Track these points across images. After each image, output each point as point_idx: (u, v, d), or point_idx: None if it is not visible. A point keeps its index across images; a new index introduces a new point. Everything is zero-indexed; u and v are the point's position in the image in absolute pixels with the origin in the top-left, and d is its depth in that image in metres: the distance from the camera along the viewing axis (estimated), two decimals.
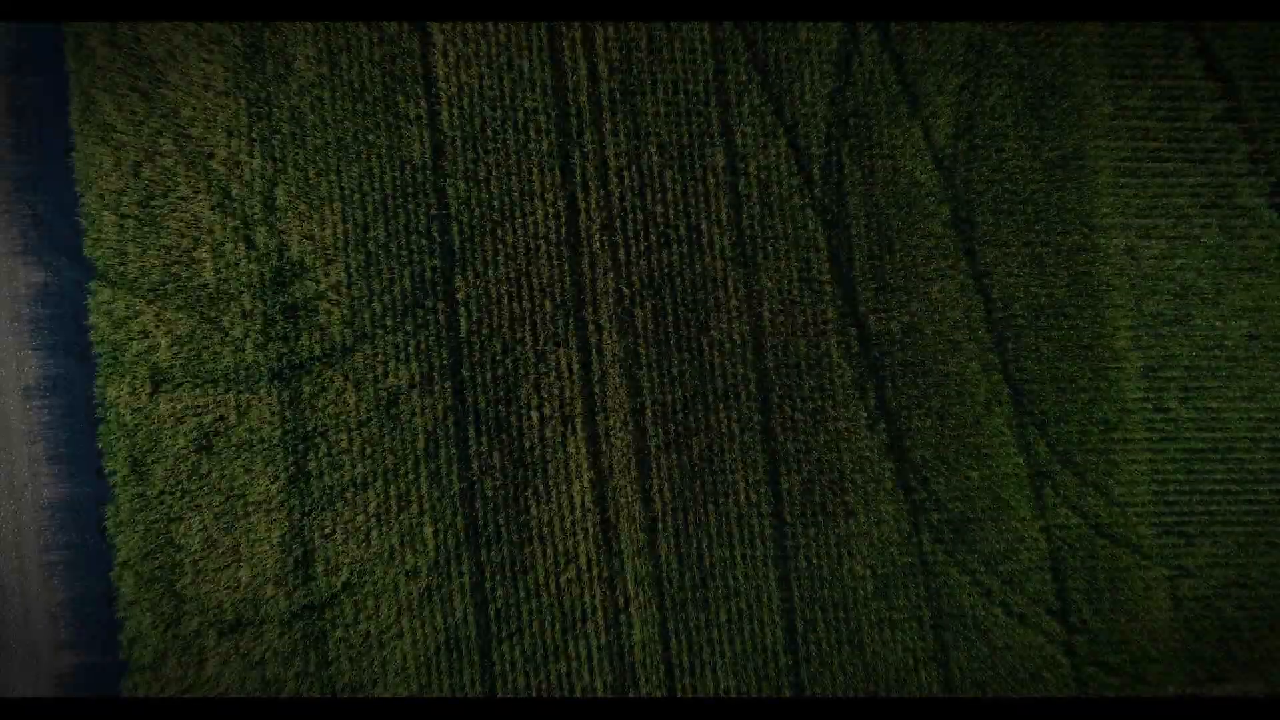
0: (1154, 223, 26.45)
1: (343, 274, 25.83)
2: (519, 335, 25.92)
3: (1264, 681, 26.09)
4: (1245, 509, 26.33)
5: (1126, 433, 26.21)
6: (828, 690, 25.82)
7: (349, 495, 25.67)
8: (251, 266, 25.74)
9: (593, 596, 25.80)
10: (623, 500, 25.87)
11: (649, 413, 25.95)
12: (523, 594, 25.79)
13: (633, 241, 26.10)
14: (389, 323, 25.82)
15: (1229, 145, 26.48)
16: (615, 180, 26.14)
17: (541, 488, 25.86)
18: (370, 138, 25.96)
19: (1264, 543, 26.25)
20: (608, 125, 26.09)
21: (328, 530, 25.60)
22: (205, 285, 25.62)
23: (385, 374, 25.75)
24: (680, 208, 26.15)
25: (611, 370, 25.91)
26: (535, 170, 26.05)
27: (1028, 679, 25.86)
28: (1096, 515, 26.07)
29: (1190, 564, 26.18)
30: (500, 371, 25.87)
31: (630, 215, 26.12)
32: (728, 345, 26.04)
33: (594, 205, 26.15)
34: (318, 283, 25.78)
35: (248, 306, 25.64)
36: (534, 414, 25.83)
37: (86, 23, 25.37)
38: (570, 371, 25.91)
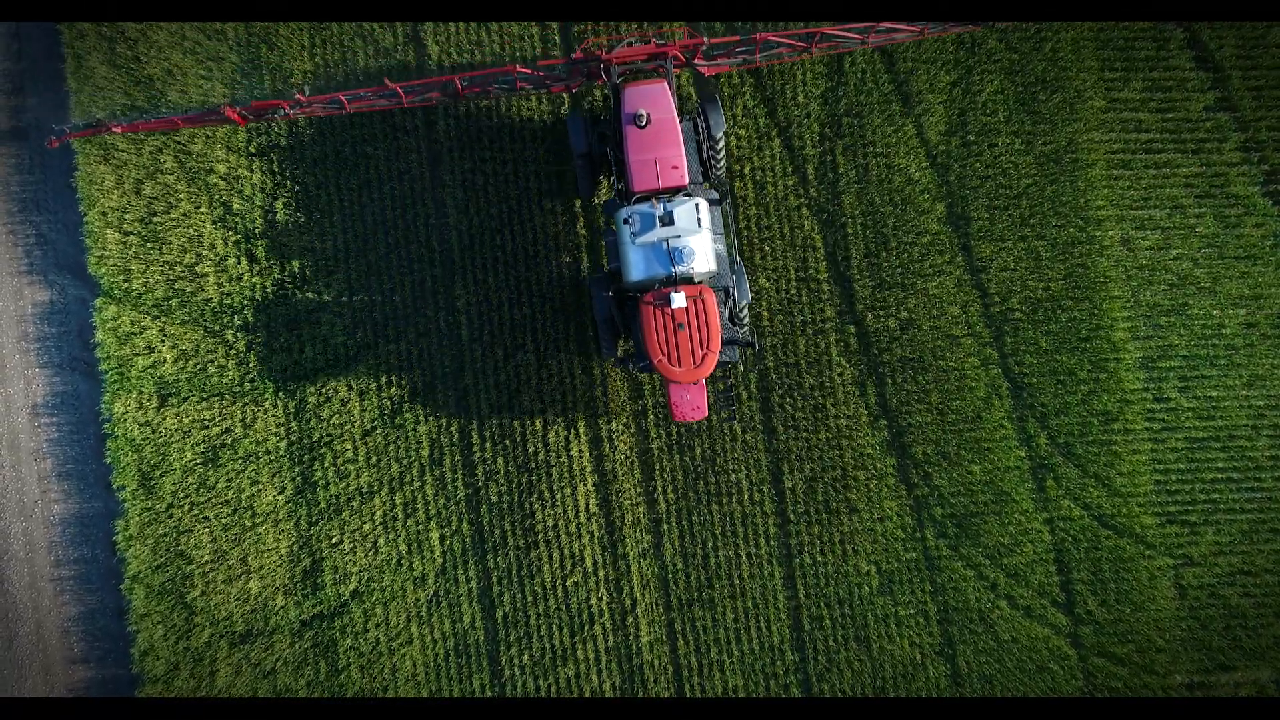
0: (1149, 214, 26.56)
1: (344, 285, 26.07)
2: (520, 341, 26.12)
3: (1271, 669, 26.11)
4: (1248, 496, 26.37)
5: (1127, 423, 26.28)
6: (835, 687, 25.92)
7: (355, 504, 25.88)
8: (254, 280, 25.99)
9: (599, 599, 25.96)
10: (627, 503, 26.04)
11: (651, 415, 26.10)
12: (530, 598, 25.95)
13: None
14: (391, 332, 26.04)
15: (1221, 135, 26.57)
16: (611, 185, 26.30)
17: (546, 492, 26.04)
18: (368, 149, 26.20)
19: (1268, 530, 26.29)
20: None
21: (335, 539, 25.81)
22: (209, 300, 25.88)
23: (389, 383, 25.98)
24: None
25: (613, 373, 26.08)
26: (532, 178, 26.26)
27: (1035, 671, 25.92)
28: (1099, 506, 26.15)
29: (1194, 553, 26.23)
30: (502, 377, 26.06)
31: None
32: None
33: (591, 210, 26.33)
34: (319, 294, 26.02)
35: (251, 320, 25.89)
36: (537, 419, 26.01)
37: (86, 43, 25.66)
38: (572, 376, 26.09)
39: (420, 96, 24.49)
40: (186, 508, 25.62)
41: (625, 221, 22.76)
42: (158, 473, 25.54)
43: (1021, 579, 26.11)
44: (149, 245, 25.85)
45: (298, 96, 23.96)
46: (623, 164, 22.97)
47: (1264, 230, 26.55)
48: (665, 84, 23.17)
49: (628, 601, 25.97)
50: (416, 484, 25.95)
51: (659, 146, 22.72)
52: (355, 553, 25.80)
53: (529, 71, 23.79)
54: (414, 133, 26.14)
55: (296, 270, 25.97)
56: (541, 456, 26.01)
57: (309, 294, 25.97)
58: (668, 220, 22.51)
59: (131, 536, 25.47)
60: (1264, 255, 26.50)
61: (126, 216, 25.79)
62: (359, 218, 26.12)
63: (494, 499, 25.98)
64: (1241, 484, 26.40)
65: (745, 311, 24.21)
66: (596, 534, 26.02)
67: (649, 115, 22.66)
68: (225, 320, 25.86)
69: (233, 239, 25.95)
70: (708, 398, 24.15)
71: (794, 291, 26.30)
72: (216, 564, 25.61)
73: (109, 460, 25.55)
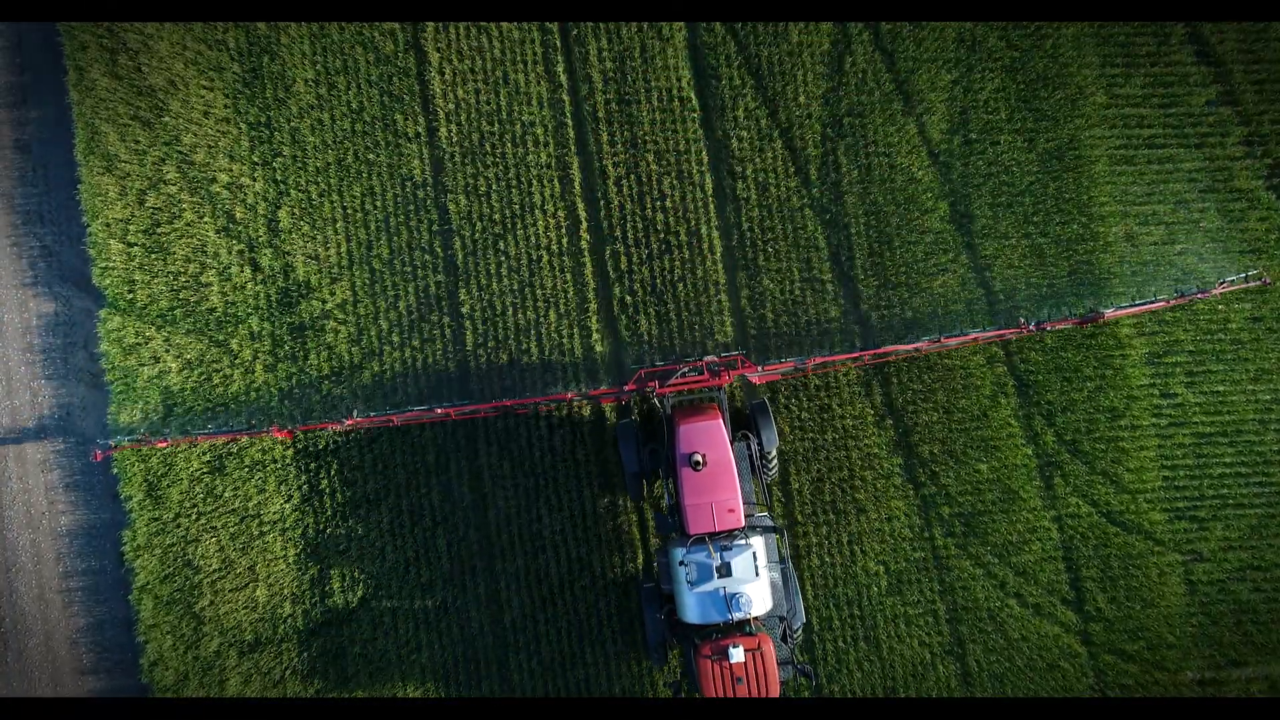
0: (1152, 209, 26.53)
1: (348, 292, 26.09)
2: (524, 346, 26.13)
3: None
4: (1256, 491, 26.30)
5: (1134, 419, 26.23)
6: (845, 687, 25.87)
7: (362, 511, 25.88)
8: (258, 288, 26.02)
9: (607, 602, 25.93)
10: (632, 504, 26.00)
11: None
12: (538, 603, 25.93)
13: (634, 249, 26.28)
14: (396, 338, 26.06)
15: (1224, 129, 26.55)
16: (614, 189, 26.35)
17: (553, 497, 26.02)
18: (370, 157, 26.25)
19: (1277, 524, 26.21)
20: (605, 135, 26.32)
21: (342, 547, 25.81)
22: (213, 309, 25.90)
23: (394, 389, 25.98)
24: (680, 214, 26.35)
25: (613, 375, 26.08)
26: (534, 182, 26.29)
27: (1045, 669, 25.86)
28: (1107, 503, 26.10)
29: (1203, 548, 26.16)
30: (507, 382, 26.07)
31: (630, 223, 26.32)
32: (732, 348, 26.17)
33: (594, 214, 26.36)
34: (324, 302, 26.04)
35: (256, 328, 25.91)
36: (542, 423, 26.01)
37: (88, 55, 25.71)
38: (576, 380, 26.08)
39: (469, 412, 24.93)
40: (194, 517, 25.64)
41: (681, 563, 22.28)
42: (164, 483, 25.55)
43: (1030, 577, 26.06)
44: (153, 256, 25.89)
45: (347, 422, 24.48)
46: (676, 488, 22.60)
47: (1268, 224, 26.50)
48: (719, 421, 22.80)
49: (635, 605, 25.92)
50: (423, 491, 25.94)
51: (714, 490, 22.20)
52: (362, 560, 25.80)
53: (581, 396, 24.26)
54: (417, 139, 26.22)
55: (300, 278, 26.00)
56: (547, 461, 26.00)
57: (313, 302, 25.98)
58: (725, 571, 21.94)
59: (139, 547, 25.48)
60: (1269, 249, 26.45)
61: (130, 228, 25.83)
62: (362, 225, 26.15)
63: (500, 504, 25.97)
64: (1250, 479, 26.34)
65: (799, 631, 23.91)
66: (603, 538, 25.99)
67: (705, 458, 22.24)
68: (230, 329, 25.88)
69: (236, 248, 25.99)
70: None
71: (798, 293, 26.29)
72: (224, 573, 25.62)
73: (115, 471, 25.57)
